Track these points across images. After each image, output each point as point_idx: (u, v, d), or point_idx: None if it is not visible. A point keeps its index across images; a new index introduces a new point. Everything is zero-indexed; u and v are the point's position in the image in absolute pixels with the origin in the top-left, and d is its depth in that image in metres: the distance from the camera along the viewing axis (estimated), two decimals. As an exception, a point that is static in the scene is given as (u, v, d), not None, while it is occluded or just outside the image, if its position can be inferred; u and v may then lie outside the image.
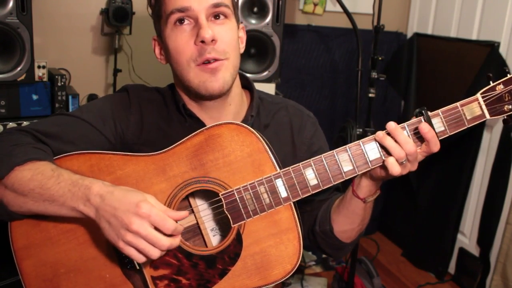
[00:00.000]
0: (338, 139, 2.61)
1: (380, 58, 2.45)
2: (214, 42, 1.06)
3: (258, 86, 1.33)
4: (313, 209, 1.23)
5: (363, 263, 2.69)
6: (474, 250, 2.85)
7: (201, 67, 1.07)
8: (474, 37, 2.83)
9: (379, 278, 2.64)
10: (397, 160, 0.97)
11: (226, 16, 1.10)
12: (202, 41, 1.05)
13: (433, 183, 3.04)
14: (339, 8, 2.44)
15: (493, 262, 2.69)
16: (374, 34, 2.47)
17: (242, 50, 1.19)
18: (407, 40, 3.32)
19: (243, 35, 1.21)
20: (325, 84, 3.20)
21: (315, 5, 3.02)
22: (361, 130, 2.43)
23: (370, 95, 2.46)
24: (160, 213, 0.91)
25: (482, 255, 2.76)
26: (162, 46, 1.16)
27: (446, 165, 2.93)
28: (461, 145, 2.80)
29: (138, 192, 0.94)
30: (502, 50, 2.62)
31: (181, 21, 1.07)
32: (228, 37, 1.09)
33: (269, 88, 2.30)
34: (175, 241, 0.94)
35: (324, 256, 3.06)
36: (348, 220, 1.14)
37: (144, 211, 0.89)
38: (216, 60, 1.07)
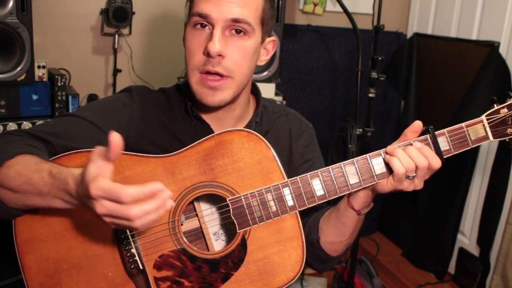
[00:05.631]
0: (338, 139, 2.61)
1: (380, 58, 2.45)
2: (221, 57, 1.04)
3: (258, 86, 1.32)
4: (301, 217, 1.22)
5: (363, 263, 2.69)
6: (474, 250, 2.85)
7: (202, 77, 1.06)
8: (474, 37, 2.83)
9: (379, 278, 2.64)
10: (406, 171, 0.99)
11: (245, 33, 1.05)
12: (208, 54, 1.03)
13: (433, 183, 3.03)
14: (339, 8, 2.44)
15: (493, 262, 2.70)
16: (374, 34, 2.47)
17: (263, 63, 1.17)
18: (407, 40, 3.32)
19: (270, 48, 1.18)
20: (325, 84, 3.20)
21: (315, 5, 3.02)
22: (361, 130, 2.43)
23: (370, 95, 2.46)
24: (108, 186, 0.81)
25: (482, 255, 2.76)
26: None
27: (446, 164, 2.93)
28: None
29: (87, 171, 0.83)
30: (502, 50, 2.62)
31: (200, 25, 1.05)
32: (239, 56, 1.06)
33: (269, 88, 2.30)
34: (148, 206, 0.82)
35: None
36: (338, 232, 1.14)
37: (93, 193, 0.81)
38: (218, 74, 1.05)
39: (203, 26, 1.05)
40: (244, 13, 1.03)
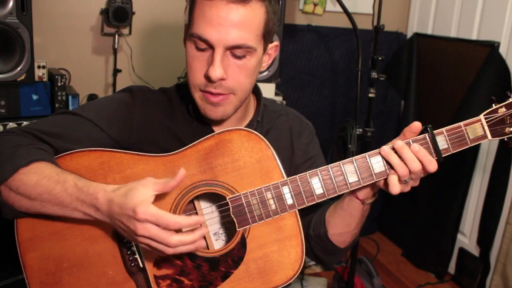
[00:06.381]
0: (338, 139, 2.61)
1: (380, 58, 2.45)
2: (222, 80, 1.04)
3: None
4: (304, 214, 1.22)
5: (363, 263, 2.69)
6: (474, 250, 2.86)
7: (205, 95, 1.07)
8: (474, 37, 2.83)
9: (379, 278, 2.64)
10: (400, 177, 1.00)
11: (246, 54, 1.04)
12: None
13: (433, 183, 3.05)
14: (339, 8, 2.44)
15: (493, 262, 2.70)
16: (374, 34, 2.47)
17: (265, 68, 1.17)
18: (407, 40, 3.33)
19: (272, 52, 1.17)
20: (325, 84, 3.20)
21: (315, 5, 3.02)
22: (361, 130, 2.43)
23: (370, 95, 2.46)
24: (157, 212, 0.89)
25: (482, 255, 2.76)
26: None
27: (445, 164, 2.92)
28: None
29: (134, 194, 0.91)
30: (502, 50, 2.63)
31: (200, 46, 1.04)
32: (241, 75, 1.06)
33: (269, 88, 2.30)
34: (187, 238, 0.91)
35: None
36: (344, 223, 1.14)
37: (141, 216, 0.88)
38: (220, 94, 1.06)
39: (203, 47, 1.03)
40: (244, 37, 1.01)
